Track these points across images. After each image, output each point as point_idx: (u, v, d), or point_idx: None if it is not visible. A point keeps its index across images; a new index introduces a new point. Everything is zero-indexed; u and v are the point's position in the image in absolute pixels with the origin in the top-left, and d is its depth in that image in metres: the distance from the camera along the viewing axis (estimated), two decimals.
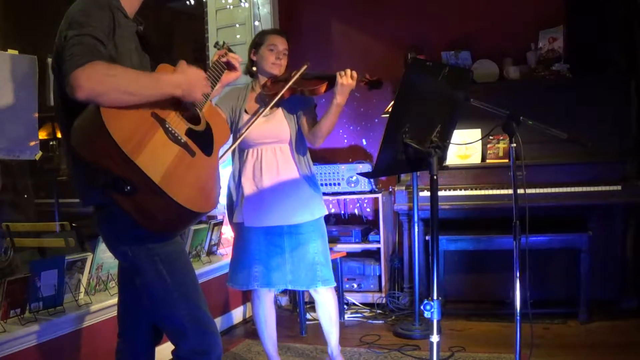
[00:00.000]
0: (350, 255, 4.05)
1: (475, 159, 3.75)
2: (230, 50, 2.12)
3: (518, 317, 2.14)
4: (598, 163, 3.47)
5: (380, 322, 3.74)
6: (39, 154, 2.81)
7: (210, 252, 3.76)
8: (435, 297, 1.80)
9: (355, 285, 4.01)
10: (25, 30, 4.89)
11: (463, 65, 3.89)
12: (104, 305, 2.71)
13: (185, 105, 1.74)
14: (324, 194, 3.59)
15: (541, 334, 3.27)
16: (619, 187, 3.39)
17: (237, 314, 3.90)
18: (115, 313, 2.03)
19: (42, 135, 5.25)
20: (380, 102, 4.17)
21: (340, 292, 3.75)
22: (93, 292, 2.83)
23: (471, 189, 3.63)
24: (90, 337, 2.65)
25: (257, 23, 4.20)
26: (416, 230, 3.53)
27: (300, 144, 2.67)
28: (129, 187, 1.50)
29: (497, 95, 3.69)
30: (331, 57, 4.36)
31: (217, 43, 2.19)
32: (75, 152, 1.56)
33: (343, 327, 3.55)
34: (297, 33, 4.38)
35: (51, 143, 5.62)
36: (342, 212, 4.41)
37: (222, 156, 1.98)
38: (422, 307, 1.82)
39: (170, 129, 1.65)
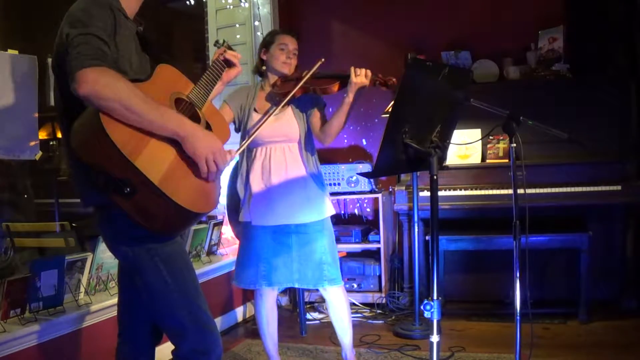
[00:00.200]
0: (350, 255, 4.06)
1: (475, 159, 3.75)
2: (229, 48, 2.12)
3: (518, 317, 2.14)
4: (598, 163, 3.46)
5: (380, 322, 3.74)
6: (39, 154, 2.81)
7: (210, 252, 3.76)
8: (435, 297, 1.81)
9: (355, 285, 4.01)
10: (25, 30, 4.89)
11: (463, 65, 3.89)
12: (104, 305, 2.71)
13: (185, 106, 1.74)
14: None
15: (541, 334, 3.27)
16: (619, 187, 3.38)
17: (238, 314, 3.90)
18: (115, 313, 2.03)
19: (42, 135, 5.24)
20: (380, 102, 4.17)
21: None
22: (93, 292, 2.83)
23: (471, 189, 3.63)
24: (90, 337, 2.65)
25: (257, 23, 4.19)
26: (416, 230, 3.52)
27: (309, 143, 2.67)
28: (128, 189, 1.50)
29: (497, 95, 3.68)
30: (331, 57, 4.34)
31: (217, 42, 2.18)
32: (75, 153, 1.56)
33: None
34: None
35: (51, 143, 5.61)
36: (342, 212, 4.41)
37: (236, 153, 1.97)
38: (422, 307, 1.82)
39: None
